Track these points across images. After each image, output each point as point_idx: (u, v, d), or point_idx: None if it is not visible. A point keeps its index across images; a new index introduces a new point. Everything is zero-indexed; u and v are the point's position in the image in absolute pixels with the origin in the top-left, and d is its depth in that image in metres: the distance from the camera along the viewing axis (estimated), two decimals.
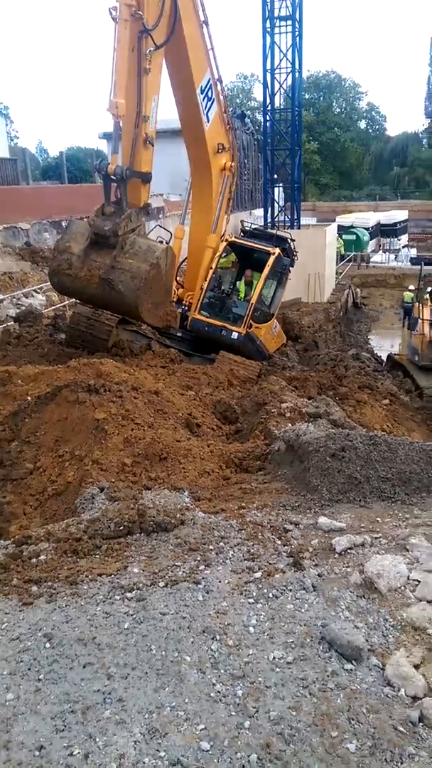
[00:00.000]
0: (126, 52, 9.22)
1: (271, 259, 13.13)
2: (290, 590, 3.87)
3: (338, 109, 77.01)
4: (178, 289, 13.32)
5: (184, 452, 6.28)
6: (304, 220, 31.44)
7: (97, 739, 2.89)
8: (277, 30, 25.82)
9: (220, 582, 3.98)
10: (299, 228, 26.94)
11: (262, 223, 27.22)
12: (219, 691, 3.16)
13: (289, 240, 14.47)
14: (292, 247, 14.55)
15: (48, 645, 3.47)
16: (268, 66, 26.31)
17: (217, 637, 3.49)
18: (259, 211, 33.82)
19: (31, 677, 3.27)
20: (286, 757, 2.80)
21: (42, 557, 4.37)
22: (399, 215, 49.72)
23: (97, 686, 3.20)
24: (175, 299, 12.77)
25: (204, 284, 12.95)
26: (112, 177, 9.66)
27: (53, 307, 15.80)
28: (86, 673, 3.29)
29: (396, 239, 47.32)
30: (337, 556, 4.26)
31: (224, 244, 13.42)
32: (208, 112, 11.97)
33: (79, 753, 2.82)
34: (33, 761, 2.79)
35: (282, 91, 27.77)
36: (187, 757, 2.79)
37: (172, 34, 10.22)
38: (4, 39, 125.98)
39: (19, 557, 4.35)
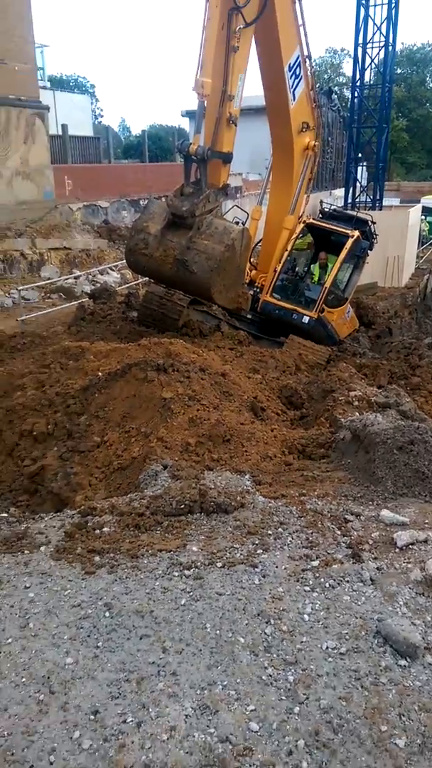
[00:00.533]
0: (216, 29, 9.14)
1: (349, 242, 12.79)
2: (347, 581, 3.85)
3: None
4: (251, 271, 13.24)
5: (247, 435, 6.30)
6: (387, 201, 30.47)
7: (150, 710, 2.99)
8: (372, 1, 24.88)
9: (277, 567, 4.01)
10: (381, 209, 26.15)
11: (343, 204, 26.60)
12: (270, 675, 3.20)
13: (369, 223, 14.06)
14: (373, 230, 14.13)
15: (107, 614, 3.61)
16: (360, 40, 25.44)
17: (272, 622, 3.53)
18: (340, 191, 33.08)
19: (90, 644, 3.41)
20: (333, 746, 2.81)
21: (105, 529, 4.53)
22: None
23: (152, 658, 3.30)
24: (247, 281, 12.71)
25: (278, 266, 12.81)
26: (193, 157, 9.67)
27: (127, 285, 16.12)
28: (142, 644, 3.40)
29: None
30: (397, 550, 4.18)
31: (302, 225, 13.20)
32: (294, 90, 11.73)
33: (132, 721, 2.93)
34: (88, 724, 2.93)
35: (373, 66, 26.84)
36: (236, 736, 2.85)
37: (264, 11, 10.05)
38: (91, 17, 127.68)
39: (84, 527, 4.53)
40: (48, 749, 2.82)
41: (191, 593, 3.77)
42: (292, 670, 3.22)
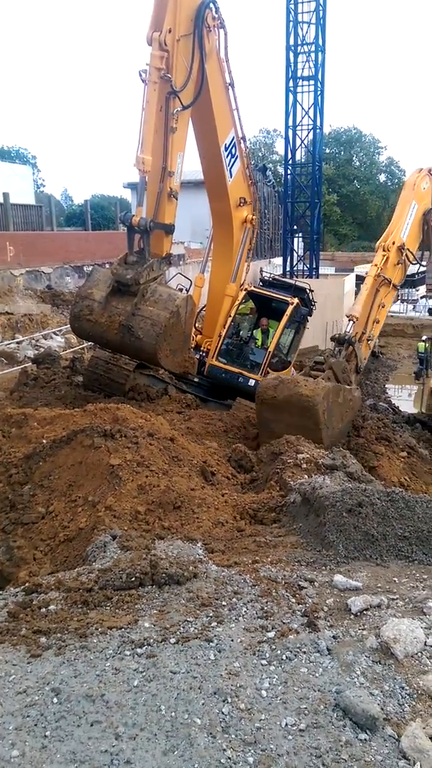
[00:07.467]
0: (154, 111, 9.58)
1: (289, 308, 13.28)
2: (304, 652, 3.77)
3: (358, 163, 78.97)
4: (196, 336, 13.48)
5: (198, 501, 6.22)
6: (322, 270, 31.99)
7: None
8: (300, 89, 26.89)
9: (232, 641, 3.89)
10: (317, 277, 27.35)
11: (281, 272, 27.66)
12: (230, 758, 3.05)
13: (307, 290, 14.64)
14: (311, 297, 14.71)
15: (55, 700, 3.39)
16: (291, 123, 27.26)
17: (229, 700, 3.39)
18: (279, 260, 34.40)
19: (38, 733, 3.18)
20: None
21: (52, 607, 4.30)
22: (417, 266, 49.94)
23: (105, 746, 3.10)
24: (193, 345, 12.91)
25: (222, 331, 13.10)
26: (136, 228, 9.92)
27: (72, 350, 16.00)
28: (94, 731, 3.19)
29: (414, 290, 47.60)
30: (352, 617, 4.15)
31: (243, 293, 13.62)
32: (231, 168, 12.35)
33: None
34: None
35: (303, 146, 28.69)
36: None
37: (199, 96, 10.62)
38: (34, 89, 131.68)
39: (28, 606, 4.29)
40: None
41: (144, 673, 3.59)
42: (252, 751, 3.09)
